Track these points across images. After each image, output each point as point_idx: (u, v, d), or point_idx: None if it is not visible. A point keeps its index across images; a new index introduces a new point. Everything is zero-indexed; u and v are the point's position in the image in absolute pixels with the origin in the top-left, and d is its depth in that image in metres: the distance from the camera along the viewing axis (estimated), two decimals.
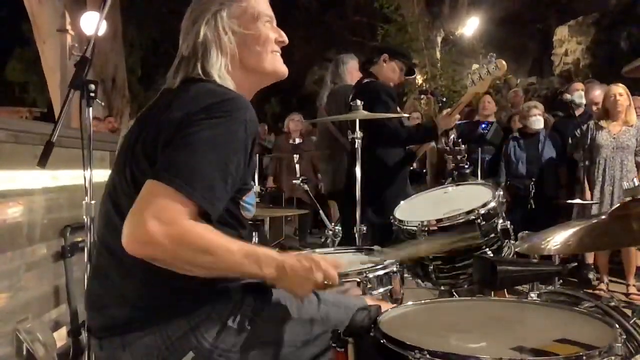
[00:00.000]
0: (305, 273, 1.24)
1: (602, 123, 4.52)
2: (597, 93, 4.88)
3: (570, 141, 4.92)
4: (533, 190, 4.91)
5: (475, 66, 2.87)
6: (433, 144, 3.48)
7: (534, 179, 4.95)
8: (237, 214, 1.32)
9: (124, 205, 1.23)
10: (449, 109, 3.14)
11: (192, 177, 1.13)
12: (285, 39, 1.48)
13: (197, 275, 1.20)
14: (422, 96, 8.96)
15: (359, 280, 1.83)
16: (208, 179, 1.15)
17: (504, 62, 2.69)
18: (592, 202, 4.47)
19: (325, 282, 1.26)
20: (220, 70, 1.35)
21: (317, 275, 1.24)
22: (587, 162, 4.54)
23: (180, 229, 1.10)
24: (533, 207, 4.89)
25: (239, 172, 1.23)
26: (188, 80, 1.34)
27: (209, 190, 1.15)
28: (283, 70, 1.48)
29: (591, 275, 4.75)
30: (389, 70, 3.44)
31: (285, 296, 1.39)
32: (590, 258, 4.88)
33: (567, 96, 5.27)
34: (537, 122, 5.05)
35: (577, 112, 5.33)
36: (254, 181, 3.72)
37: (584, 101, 5.34)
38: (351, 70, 4.07)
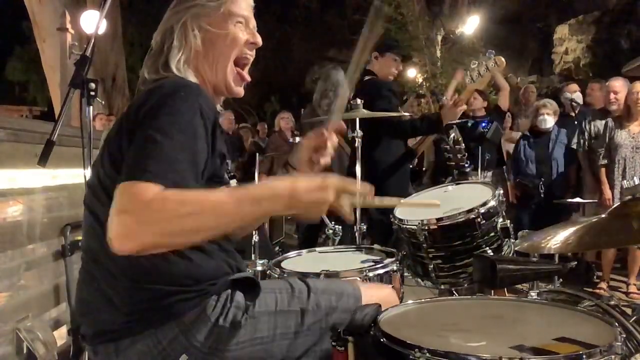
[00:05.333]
0: (318, 189, 1.15)
1: (623, 121, 4.44)
2: (619, 84, 4.76)
3: (575, 139, 4.90)
4: (543, 190, 4.90)
5: (474, 63, 2.86)
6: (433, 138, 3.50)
7: (543, 179, 4.94)
8: None
9: (99, 211, 1.23)
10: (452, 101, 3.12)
11: (158, 165, 1.08)
12: (259, 41, 1.46)
13: (203, 240, 1.17)
14: (434, 97, 8.97)
15: (359, 278, 1.83)
16: (174, 164, 1.11)
17: (502, 59, 2.69)
18: (591, 201, 4.47)
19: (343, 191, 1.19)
20: (179, 64, 1.35)
21: (332, 185, 1.17)
22: (605, 160, 4.48)
23: (150, 204, 1.03)
24: (543, 206, 4.89)
25: (204, 157, 1.20)
26: (153, 78, 1.34)
27: (177, 174, 1.10)
28: (236, 91, 1.45)
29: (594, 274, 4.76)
30: (385, 65, 3.45)
31: (274, 288, 1.39)
32: (590, 256, 4.89)
33: (568, 95, 5.27)
34: (547, 121, 5.01)
35: (572, 113, 5.34)
36: (253, 180, 3.73)
37: (581, 101, 5.33)
38: None
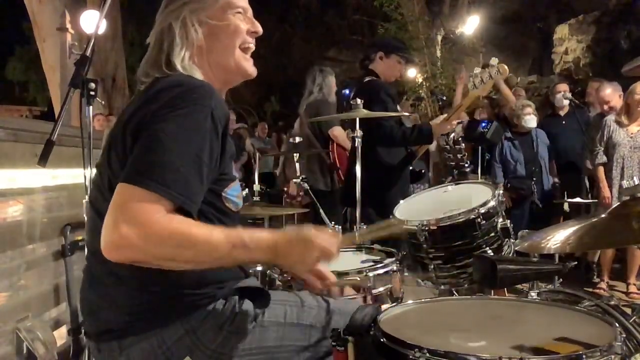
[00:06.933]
0: (301, 252, 1.21)
1: (623, 120, 4.43)
2: (609, 92, 4.77)
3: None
4: (536, 189, 4.88)
5: (476, 69, 2.85)
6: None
7: (534, 178, 4.93)
8: (220, 207, 1.28)
9: (105, 211, 1.21)
10: (445, 114, 3.13)
11: (165, 175, 1.08)
12: (259, 29, 1.45)
13: (186, 269, 1.17)
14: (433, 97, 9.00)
15: (359, 279, 1.83)
16: (182, 174, 1.11)
17: (505, 67, 2.68)
18: (590, 200, 4.46)
19: (322, 259, 1.24)
20: (184, 61, 1.33)
21: (313, 254, 1.21)
22: (604, 158, 4.47)
23: (155, 227, 1.06)
24: (540, 206, 4.88)
25: (213, 161, 1.20)
26: (156, 76, 1.32)
27: (185, 186, 1.11)
28: (249, 69, 1.44)
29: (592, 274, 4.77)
30: (388, 67, 3.42)
31: (284, 300, 1.39)
32: (589, 257, 4.89)
33: (568, 95, 5.27)
34: (531, 121, 5.00)
35: (562, 112, 5.35)
36: (254, 181, 3.74)
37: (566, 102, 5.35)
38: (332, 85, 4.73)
